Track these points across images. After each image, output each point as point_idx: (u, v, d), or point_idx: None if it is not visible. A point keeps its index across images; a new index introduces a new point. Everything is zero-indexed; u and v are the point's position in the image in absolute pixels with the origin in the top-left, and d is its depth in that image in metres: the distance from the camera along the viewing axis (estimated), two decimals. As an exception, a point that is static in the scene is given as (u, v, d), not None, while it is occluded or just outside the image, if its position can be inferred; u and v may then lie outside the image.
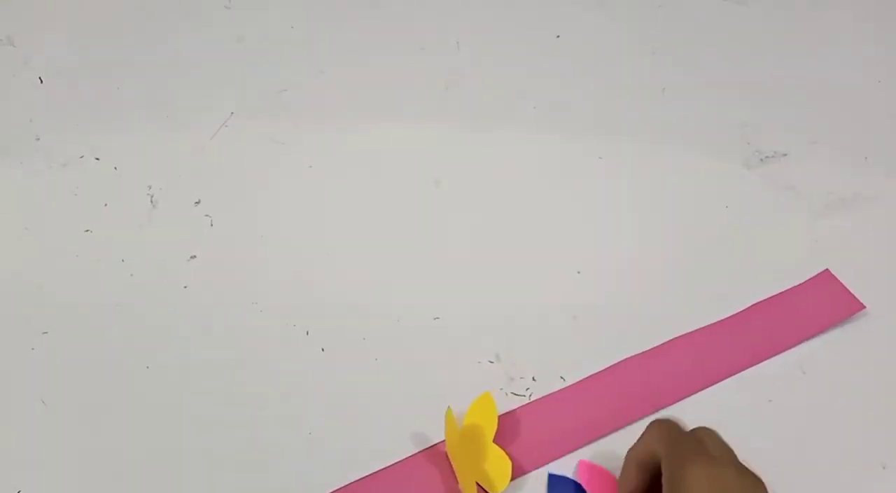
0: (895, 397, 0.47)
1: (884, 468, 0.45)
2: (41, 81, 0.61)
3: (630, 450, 0.40)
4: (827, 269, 0.51)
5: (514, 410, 0.46)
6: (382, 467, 0.44)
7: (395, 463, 0.44)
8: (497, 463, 0.43)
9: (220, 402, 0.47)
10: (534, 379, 0.47)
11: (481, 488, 0.43)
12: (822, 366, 0.48)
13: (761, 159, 0.57)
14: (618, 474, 0.41)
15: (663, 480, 0.36)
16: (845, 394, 0.47)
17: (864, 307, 0.50)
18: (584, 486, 0.43)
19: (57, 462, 0.45)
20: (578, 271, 0.52)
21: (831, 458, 0.45)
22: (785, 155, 0.58)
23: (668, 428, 0.38)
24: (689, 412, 0.46)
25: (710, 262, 0.52)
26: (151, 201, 0.55)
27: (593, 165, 0.57)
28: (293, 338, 0.49)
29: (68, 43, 0.63)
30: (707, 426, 0.39)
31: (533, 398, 0.47)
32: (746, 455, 0.38)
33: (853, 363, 0.48)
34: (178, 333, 0.49)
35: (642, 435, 0.40)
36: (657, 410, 0.46)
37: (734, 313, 0.50)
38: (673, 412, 0.46)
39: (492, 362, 0.48)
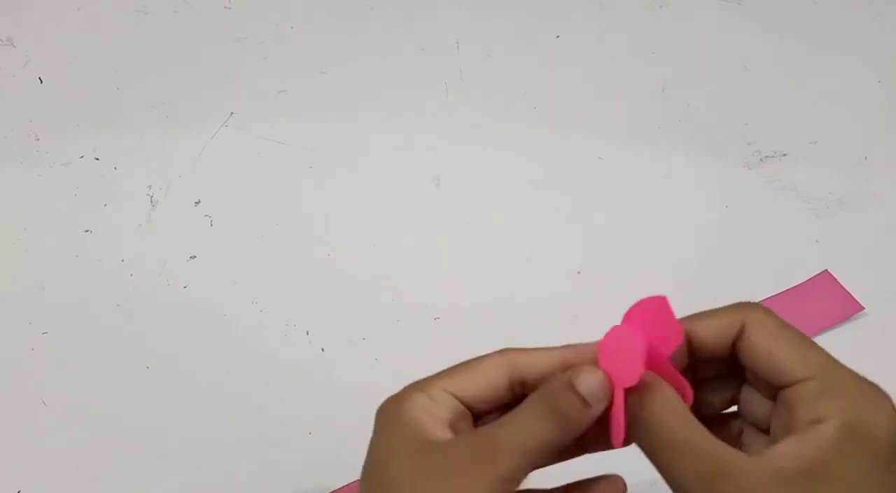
0: (895, 398, 0.47)
1: (883, 468, 0.45)
2: (41, 81, 0.61)
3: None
4: (826, 270, 0.51)
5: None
6: (382, 467, 0.44)
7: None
8: None
9: (220, 402, 0.47)
10: (534, 379, 0.47)
11: None
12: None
13: (761, 159, 0.57)
14: None
15: (831, 407, 0.26)
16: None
17: (863, 308, 0.50)
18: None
19: (57, 462, 0.45)
20: (578, 271, 0.52)
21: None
22: (785, 155, 0.58)
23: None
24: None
25: (710, 262, 0.52)
26: (151, 201, 0.55)
27: (593, 165, 0.57)
28: (293, 338, 0.49)
29: (68, 43, 0.63)
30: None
31: (533, 398, 0.47)
32: (746, 455, 0.38)
33: (852, 364, 0.48)
34: (178, 333, 0.49)
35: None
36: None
37: (734, 313, 0.50)
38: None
39: (492, 363, 0.48)
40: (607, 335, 0.29)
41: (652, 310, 0.30)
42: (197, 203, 0.55)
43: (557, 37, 0.64)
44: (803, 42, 0.64)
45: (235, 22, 0.65)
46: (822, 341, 0.48)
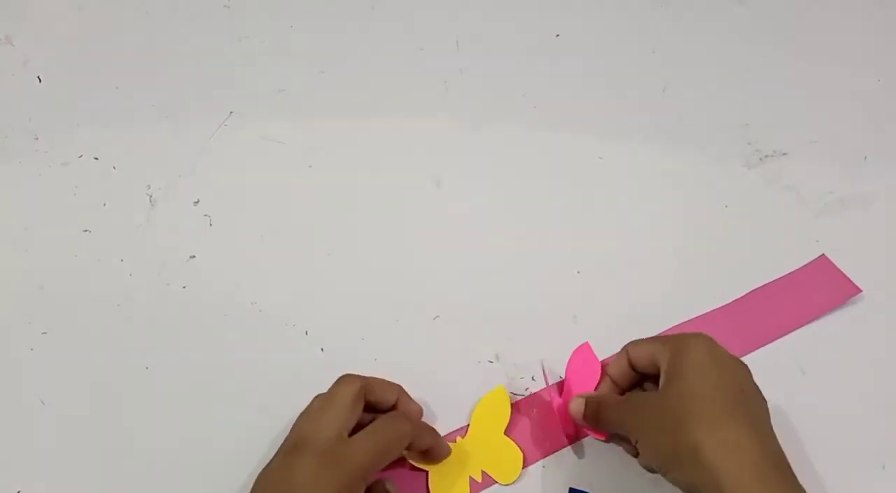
0: (895, 397, 0.47)
1: (884, 468, 0.45)
2: (41, 81, 0.61)
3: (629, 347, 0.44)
4: (823, 254, 0.52)
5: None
6: (382, 467, 0.44)
7: (395, 462, 0.44)
8: (509, 454, 0.44)
9: (220, 402, 0.47)
10: (534, 379, 0.47)
11: (490, 477, 0.44)
12: (822, 366, 0.48)
13: (761, 159, 0.57)
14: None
15: (663, 358, 0.40)
16: (845, 394, 0.47)
17: (861, 291, 0.50)
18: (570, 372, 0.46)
19: (57, 462, 0.45)
20: (578, 271, 0.52)
21: (831, 458, 0.45)
22: (785, 155, 0.58)
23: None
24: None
25: (710, 262, 0.52)
26: (151, 201, 0.55)
27: (593, 165, 0.57)
28: (293, 338, 0.49)
29: (68, 43, 0.63)
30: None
31: (533, 398, 0.47)
32: (746, 455, 0.38)
33: (853, 364, 0.48)
34: (178, 333, 0.49)
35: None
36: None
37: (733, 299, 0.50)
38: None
39: (492, 362, 0.48)
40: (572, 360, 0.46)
41: (584, 355, 0.46)
42: (196, 203, 0.55)
43: (557, 36, 0.64)
44: (803, 42, 0.64)
45: (235, 22, 0.65)
46: (822, 324, 0.49)
